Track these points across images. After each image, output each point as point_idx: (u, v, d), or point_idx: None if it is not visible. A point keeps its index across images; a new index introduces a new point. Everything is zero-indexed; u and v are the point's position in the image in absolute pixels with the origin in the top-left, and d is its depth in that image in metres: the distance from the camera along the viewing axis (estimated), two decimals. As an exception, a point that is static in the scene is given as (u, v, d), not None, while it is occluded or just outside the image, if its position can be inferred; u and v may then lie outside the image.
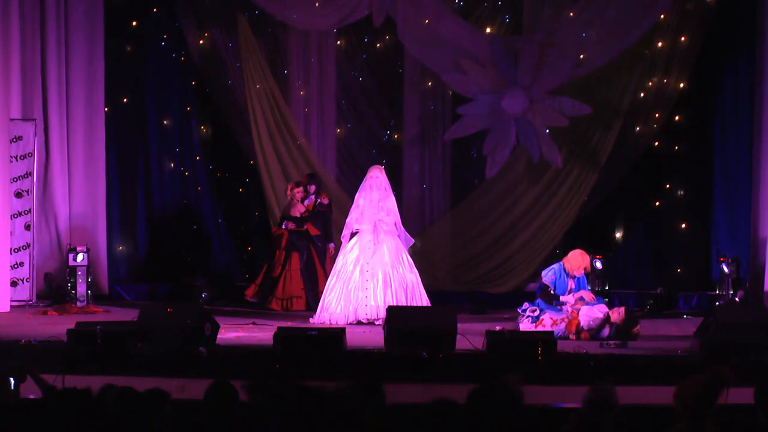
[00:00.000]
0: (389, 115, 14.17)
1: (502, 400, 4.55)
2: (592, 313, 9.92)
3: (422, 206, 13.99)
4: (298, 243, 12.39)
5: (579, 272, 10.23)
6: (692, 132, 13.74)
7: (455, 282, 13.59)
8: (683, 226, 13.84)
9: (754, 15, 12.86)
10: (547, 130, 13.26)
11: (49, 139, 13.18)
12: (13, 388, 4.93)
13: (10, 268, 12.37)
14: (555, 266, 10.40)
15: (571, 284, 10.23)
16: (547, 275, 10.31)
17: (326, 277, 11.66)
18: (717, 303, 12.19)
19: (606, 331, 9.86)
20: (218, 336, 9.03)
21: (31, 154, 12.74)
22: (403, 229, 11.22)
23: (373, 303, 10.89)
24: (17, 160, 12.65)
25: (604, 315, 9.88)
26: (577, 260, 10.27)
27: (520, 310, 10.22)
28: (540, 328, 9.87)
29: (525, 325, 10.01)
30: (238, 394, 4.56)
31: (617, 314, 9.93)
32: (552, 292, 10.20)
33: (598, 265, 12.77)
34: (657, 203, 13.88)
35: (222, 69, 14.06)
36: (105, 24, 13.37)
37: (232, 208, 14.48)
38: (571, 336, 9.84)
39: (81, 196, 13.34)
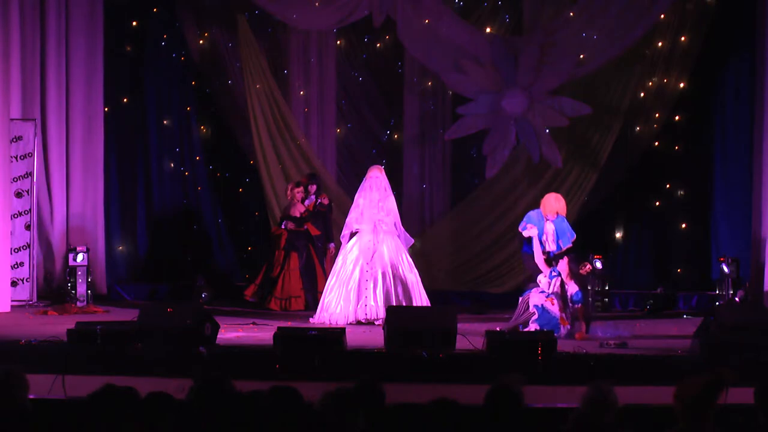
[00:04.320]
0: (389, 115, 14.18)
1: (511, 400, 4.56)
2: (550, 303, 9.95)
3: (422, 206, 14.00)
4: (297, 243, 12.39)
5: (552, 215, 10.18)
6: (692, 132, 13.75)
7: (455, 282, 13.59)
8: (683, 226, 13.85)
9: (754, 15, 12.86)
10: (547, 130, 13.26)
11: (49, 139, 13.17)
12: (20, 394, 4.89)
13: (10, 268, 12.36)
14: (531, 213, 10.33)
15: (548, 229, 10.16)
16: (525, 227, 10.26)
17: (326, 277, 11.66)
18: (717, 303, 12.19)
19: (572, 288, 9.86)
20: (218, 336, 9.02)
21: (31, 154, 12.74)
22: (402, 229, 11.22)
23: (373, 303, 10.89)
24: (17, 160, 12.64)
25: (556, 284, 9.91)
26: (550, 204, 10.25)
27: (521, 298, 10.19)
28: (547, 304, 9.86)
29: (536, 298, 9.97)
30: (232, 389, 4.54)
31: (563, 267, 9.95)
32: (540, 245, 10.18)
33: (598, 265, 12.78)
34: (657, 203, 13.88)
35: (222, 69, 14.07)
36: (105, 24, 13.37)
37: (232, 208, 14.48)
38: (567, 324, 9.83)
39: (80, 196, 13.33)
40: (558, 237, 10.19)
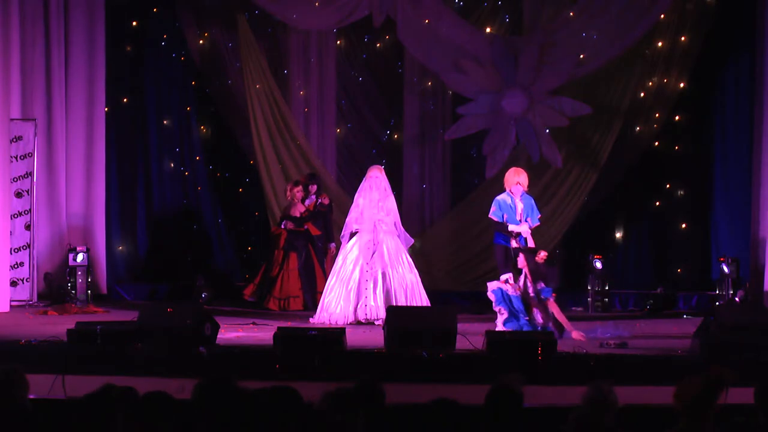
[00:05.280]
0: (389, 115, 14.18)
1: (511, 400, 4.56)
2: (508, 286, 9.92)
3: (422, 206, 14.01)
4: (296, 243, 12.39)
5: (516, 189, 10.13)
6: (692, 132, 13.75)
7: (455, 282, 13.59)
8: (683, 226, 13.85)
9: (754, 15, 12.86)
10: (547, 130, 13.27)
11: (50, 139, 13.15)
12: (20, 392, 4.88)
13: (10, 268, 12.36)
14: (499, 199, 10.26)
15: (518, 208, 10.12)
16: (494, 212, 10.25)
17: (325, 277, 11.66)
18: (717, 303, 12.19)
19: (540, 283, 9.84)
20: (218, 336, 9.02)
21: (31, 154, 12.74)
22: (402, 229, 11.22)
23: (373, 303, 10.89)
24: (17, 160, 12.65)
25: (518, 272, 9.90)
26: (510, 178, 10.23)
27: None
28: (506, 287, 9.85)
29: (493, 284, 9.99)
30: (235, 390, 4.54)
31: (522, 262, 9.91)
32: (505, 222, 10.15)
33: (598, 265, 12.78)
34: (657, 203, 13.88)
35: (222, 69, 14.08)
36: (105, 24, 13.36)
37: (232, 208, 14.49)
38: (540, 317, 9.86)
39: (81, 196, 13.33)
40: (526, 215, 10.19)
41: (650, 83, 13.42)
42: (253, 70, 13.78)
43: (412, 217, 13.50)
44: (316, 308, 11.25)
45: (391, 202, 11.20)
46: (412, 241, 11.48)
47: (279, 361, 8.30)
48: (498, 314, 9.98)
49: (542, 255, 10.02)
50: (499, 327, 9.96)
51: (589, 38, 13.04)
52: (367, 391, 4.62)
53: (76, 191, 13.32)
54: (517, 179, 10.22)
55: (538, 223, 10.39)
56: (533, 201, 10.34)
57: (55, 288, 12.81)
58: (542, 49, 12.99)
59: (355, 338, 9.18)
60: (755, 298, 12.21)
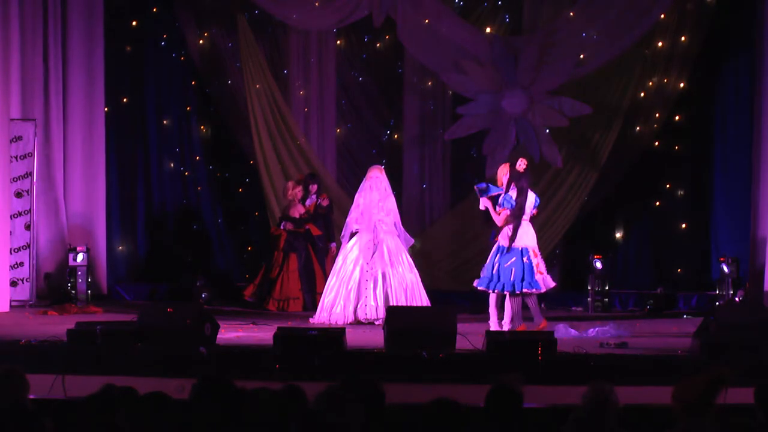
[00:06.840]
0: (389, 115, 14.18)
1: (511, 400, 4.56)
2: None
3: (422, 206, 14.00)
4: (295, 244, 12.39)
5: (501, 181, 10.21)
6: (692, 132, 13.75)
7: (455, 282, 13.58)
8: (683, 226, 13.84)
9: (754, 15, 12.86)
10: (547, 130, 13.26)
11: (49, 139, 13.17)
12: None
13: (10, 268, 12.36)
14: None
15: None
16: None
17: (325, 278, 11.67)
18: (717, 303, 12.19)
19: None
20: (218, 336, 9.02)
21: (31, 154, 12.73)
22: (402, 229, 11.22)
23: (373, 303, 10.89)
24: (17, 160, 12.64)
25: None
26: (499, 173, 10.35)
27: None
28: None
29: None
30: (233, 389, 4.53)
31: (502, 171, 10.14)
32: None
33: (598, 265, 12.78)
34: (657, 203, 13.88)
35: (222, 69, 14.07)
36: (105, 24, 13.37)
37: (232, 208, 14.48)
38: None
39: (81, 196, 13.34)
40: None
41: (650, 83, 13.42)
42: (253, 70, 13.78)
43: (412, 217, 13.49)
44: (316, 309, 11.25)
45: (391, 202, 11.20)
46: (412, 241, 11.49)
47: (279, 361, 8.30)
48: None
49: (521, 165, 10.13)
50: (494, 327, 9.99)
51: (589, 38, 13.03)
52: (359, 387, 4.61)
53: (76, 191, 13.32)
54: (498, 172, 10.35)
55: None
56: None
57: (55, 288, 12.81)
58: (542, 49, 12.98)
59: (355, 338, 9.18)
60: (755, 298, 12.20)
